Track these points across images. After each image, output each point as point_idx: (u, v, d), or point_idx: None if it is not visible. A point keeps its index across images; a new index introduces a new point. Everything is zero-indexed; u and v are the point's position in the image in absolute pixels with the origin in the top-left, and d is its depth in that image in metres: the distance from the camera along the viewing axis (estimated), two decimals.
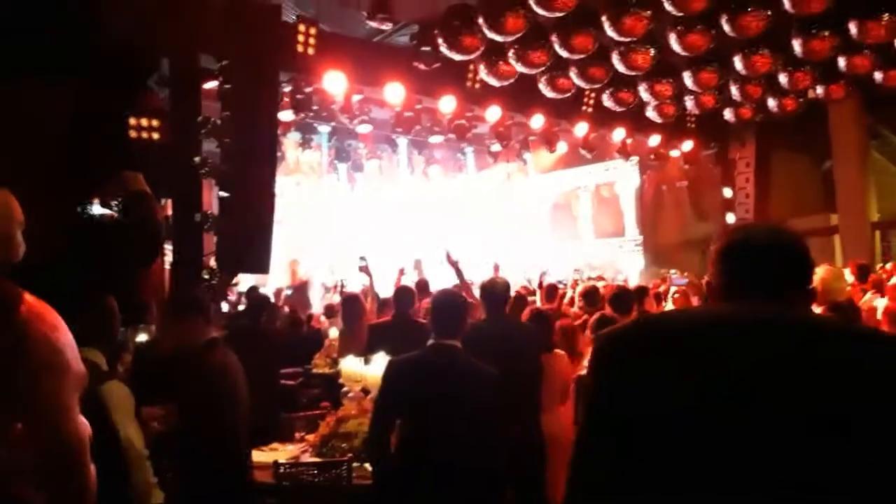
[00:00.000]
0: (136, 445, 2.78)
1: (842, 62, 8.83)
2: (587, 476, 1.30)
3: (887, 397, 1.15)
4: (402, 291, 5.31)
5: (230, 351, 3.70)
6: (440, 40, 7.87)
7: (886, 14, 7.39)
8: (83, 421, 1.72)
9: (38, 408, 1.63)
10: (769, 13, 7.38)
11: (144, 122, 7.03)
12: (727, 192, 13.65)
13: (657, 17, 7.45)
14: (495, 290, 4.12)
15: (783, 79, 9.46)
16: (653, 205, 14.96)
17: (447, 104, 9.99)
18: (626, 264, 14.72)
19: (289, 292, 10.84)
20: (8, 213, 1.95)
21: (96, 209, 6.55)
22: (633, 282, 13.25)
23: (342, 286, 8.29)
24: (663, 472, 1.19)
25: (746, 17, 7.45)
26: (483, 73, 8.84)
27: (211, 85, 7.63)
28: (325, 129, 12.11)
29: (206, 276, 6.96)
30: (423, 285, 7.79)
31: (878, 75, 9.41)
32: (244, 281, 9.60)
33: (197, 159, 7.09)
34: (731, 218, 13.47)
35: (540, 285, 7.45)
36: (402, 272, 8.23)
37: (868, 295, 6.11)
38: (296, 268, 11.50)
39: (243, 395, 3.61)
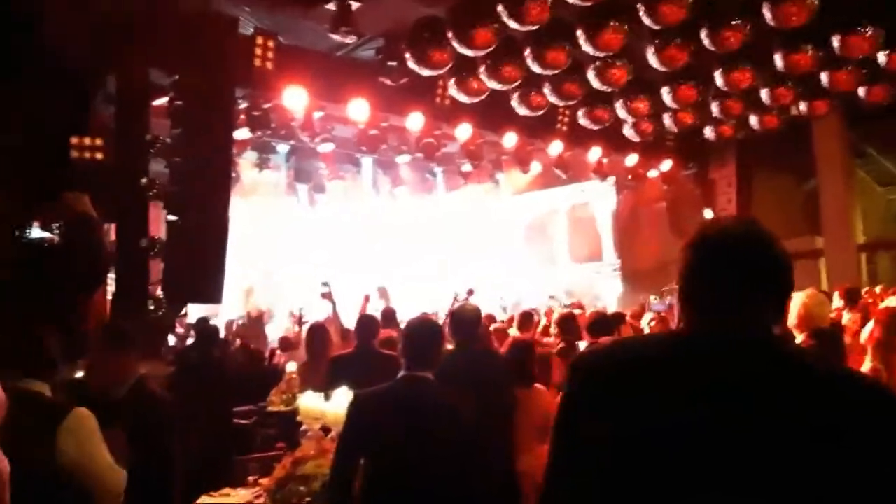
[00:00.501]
0: (109, 485, 2.70)
1: (825, 77, 9.00)
2: (565, 496, 1.34)
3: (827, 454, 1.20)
4: (365, 320, 5.21)
5: (163, 390, 3.57)
6: (407, 55, 7.86)
7: (870, 28, 7.55)
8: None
9: None
10: (750, 27, 7.51)
11: (88, 141, 6.89)
12: (708, 214, 13.78)
13: (634, 30, 7.53)
14: (464, 318, 4.04)
15: (765, 95, 9.62)
16: (630, 227, 15.06)
17: (415, 122, 9.98)
18: (605, 290, 14.78)
19: (240, 322, 10.68)
20: None
21: (36, 233, 6.39)
22: (612, 308, 13.31)
23: (301, 316, 8.15)
24: (652, 487, 1.24)
25: (726, 30, 7.57)
26: (453, 90, 8.85)
27: (161, 101, 7.52)
28: (283, 147, 12.00)
29: (152, 307, 6.80)
30: (388, 314, 7.70)
31: (861, 91, 9.62)
32: (193, 312, 9.42)
33: (144, 180, 6.96)
34: None
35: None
36: (366, 299, 8.14)
37: (847, 316, 6.15)
38: (251, 297, 11.29)
39: (178, 436, 3.48)
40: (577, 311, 7.01)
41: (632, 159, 12.66)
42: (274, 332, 10.68)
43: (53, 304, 5.51)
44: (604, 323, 5.07)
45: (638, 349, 1.43)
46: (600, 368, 1.37)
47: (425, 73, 8.09)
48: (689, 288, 1.40)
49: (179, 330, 8.65)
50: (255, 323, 10.41)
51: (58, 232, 6.26)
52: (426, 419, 2.99)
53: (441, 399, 3.07)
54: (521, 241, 16.43)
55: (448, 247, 16.23)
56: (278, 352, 8.41)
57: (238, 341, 8.59)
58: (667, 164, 13.22)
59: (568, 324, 5.86)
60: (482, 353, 4.11)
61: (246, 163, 12.24)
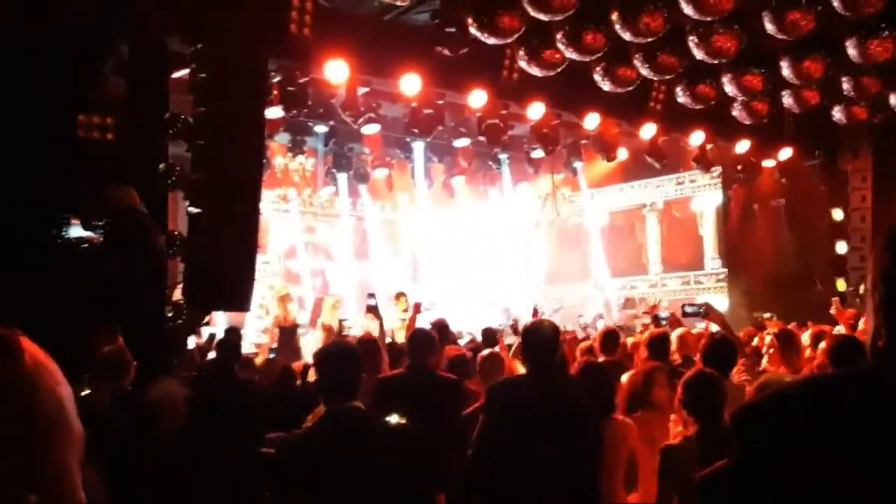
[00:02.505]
0: None
1: None
2: None
3: None
4: (419, 335, 5.33)
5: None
6: (470, 19, 7.95)
7: None
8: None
9: (47, 476, 1.70)
10: None
11: (96, 119, 7.16)
12: (837, 214, 13.55)
13: None
14: (540, 338, 4.09)
15: None
16: (740, 229, 14.90)
17: (477, 99, 10.04)
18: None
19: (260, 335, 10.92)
20: None
21: (75, 231, 6.68)
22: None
23: (341, 328, 8.33)
24: None
25: None
26: (523, 61, 8.90)
27: (181, 74, 7.76)
28: (321, 129, 12.26)
29: (171, 314, 7.05)
30: (441, 327, 7.81)
31: None
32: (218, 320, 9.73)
33: (162, 166, 7.20)
34: (842, 247, 13.35)
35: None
36: (417, 309, 8.27)
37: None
38: (286, 304, 11.56)
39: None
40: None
41: (742, 146, 12.52)
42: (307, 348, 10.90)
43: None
44: (723, 351, 5.03)
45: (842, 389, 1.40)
46: (797, 417, 1.36)
47: (490, 41, 8.17)
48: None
49: (199, 341, 8.89)
50: (287, 335, 10.64)
51: (101, 231, 6.57)
52: (358, 457, 3.11)
53: (374, 429, 3.23)
54: (599, 245, 16.41)
55: (513, 248, 16.35)
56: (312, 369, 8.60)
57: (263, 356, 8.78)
58: (786, 153, 13.02)
59: (658, 346, 5.88)
60: (561, 381, 4.15)
61: (277, 146, 12.55)
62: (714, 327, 6.64)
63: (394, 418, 3.99)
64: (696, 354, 5.98)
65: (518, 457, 3.74)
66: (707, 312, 6.45)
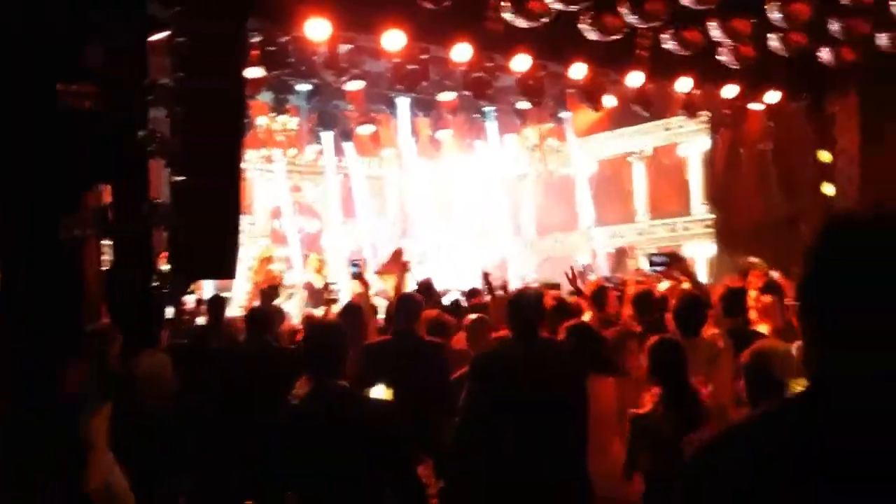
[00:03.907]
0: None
1: None
2: None
3: None
4: (405, 300, 5.27)
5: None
6: None
7: None
8: None
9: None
10: None
11: (76, 87, 7.00)
12: (825, 156, 13.48)
13: None
14: (524, 304, 4.06)
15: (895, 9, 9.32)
16: (727, 174, 14.83)
17: (461, 53, 9.90)
18: (693, 251, 14.64)
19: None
20: None
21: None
22: (703, 274, 13.19)
23: (329, 292, 8.27)
24: None
25: None
26: (507, 12, 8.74)
27: (159, 38, 7.59)
28: (303, 87, 12.06)
29: (156, 283, 6.97)
30: (425, 287, 7.75)
31: None
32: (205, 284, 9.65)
33: (142, 133, 7.06)
34: (829, 189, 13.31)
35: (573, 280, 7.32)
36: (405, 268, 8.20)
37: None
38: (268, 264, 11.47)
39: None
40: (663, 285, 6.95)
41: (730, 91, 12.39)
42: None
43: None
44: (693, 310, 5.01)
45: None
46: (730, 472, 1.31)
47: None
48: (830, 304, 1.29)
49: (187, 306, 8.83)
50: (268, 296, 10.56)
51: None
52: (344, 436, 3.09)
53: (360, 406, 3.24)
54: (587, 193, 16.33)
55: (500, 199, 16.30)
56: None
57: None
58: (773, 96, 12.89)
59: (644, 303, 5.85)
60: (544, 344, 4.13)
61: (259, 106, 12.36)
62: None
63: (380, 389, 3.96)
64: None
65: (506, 425, 3.73)
66: (672, 262, 6.41)
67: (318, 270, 11.43)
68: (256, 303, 10.20)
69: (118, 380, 4.59)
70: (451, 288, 11.26)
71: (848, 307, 1.24)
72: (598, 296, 6.17)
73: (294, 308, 10.95)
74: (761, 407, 1.41)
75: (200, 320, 7.89)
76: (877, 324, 1.22)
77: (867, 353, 1.23)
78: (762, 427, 1.36)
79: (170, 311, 7.13)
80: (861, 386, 1.24)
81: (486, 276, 7.70)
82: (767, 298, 5.49)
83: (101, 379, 4.41)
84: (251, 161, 14.23)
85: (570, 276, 7.28)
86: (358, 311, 5.75)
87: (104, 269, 7.30)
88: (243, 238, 8.93)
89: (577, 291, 6.83)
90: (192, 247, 6.70)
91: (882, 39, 10.51)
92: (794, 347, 3.47)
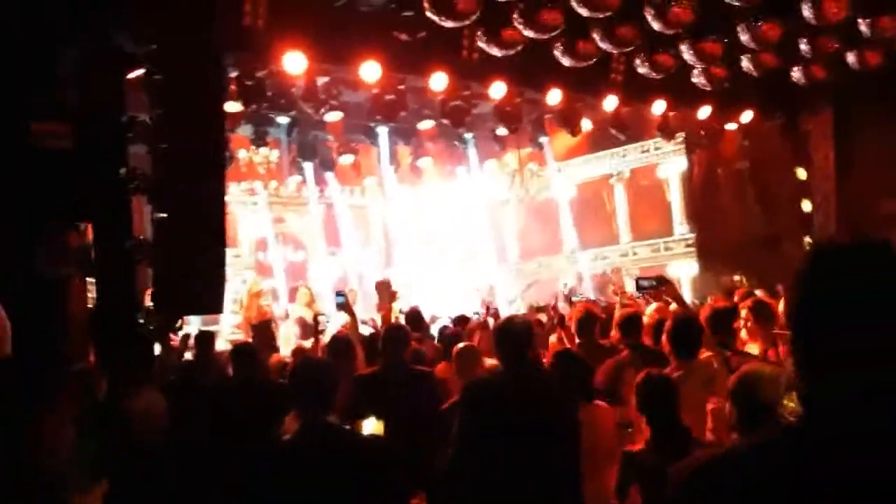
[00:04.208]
0: None
1: None
2: None
3: None
4: (394, 330, 5.27)
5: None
6: (426, 3, 7.85)
7: None
8: None
9: None
10: None
11: (51, 126, 7.00)
12: (801, 174, 13.63)
13: None
14: (512, 333, 4.05)
15: (864, 27, 9.46)
16: (706, 193, 14.96)
17: (438, 82, 9.99)
18: (676, 270, 14.74)
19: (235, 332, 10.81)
20: None
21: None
22: (686, 292, 13.26)
23: (318, 323, 8.23)
24: None
25: None
26: (482, 42, 8.82)
27: (136, 74, 7.61)
28: (283, 120, 12.09)
29: (142, 320, 6.94)
30: (413, 316, 7.74)
31: None
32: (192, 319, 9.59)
33: (123, 171, 7.06)
34: (807, 206, 13.44)
35: (568, 299, 7.39)
36: (393, 298, 8.19)
37: None
38: (258, 300, 11.43)
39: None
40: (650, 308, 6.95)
41: (704, 112, 12.53)
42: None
43: None
44: (690, 329, 4.99)
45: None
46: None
47: (448, 24, 8.08)
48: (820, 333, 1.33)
49: (174, 343, 8.77)
50: (262, 331, 10.51)
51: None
52: (336, 479, 3.06)
53: (352, 446, 3.21)
54: (568, 217, 16.42)
55: (479, 227, 16.35)
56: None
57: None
58: (747, 116, 13.05)
59: (632, 325, 5.85)
60: (532, 371, 4.11)
61: (240, 139, 12.39)
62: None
63: (371, 422, 3.94)
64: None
65: (496, 452, 3.71)
66: (661, 285, 6.39)
67: (309, 304, 11.39)
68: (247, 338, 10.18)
69: (110, 419, 4.55)
70: (439, 315, 11.26)
71: (832, 333, 1.29)
72: (586, 321, 6.16)
73: (288, 340, 10.92)
74: (752, 435, 1.43)
75: (188, 356, 7.84)
76: (859, 346, 1.26)
77: (850, 375, 1.27)
78: (755, 453, 1.37)
79: (157, 348, 7.08)
80: (847, 408, 1.27)
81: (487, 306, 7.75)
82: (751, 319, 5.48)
83: (88, 420, 4.37)
84: (234, 194, 14.23)
85: (553, 304, 7.33)
86: (346, 342, 5.73)
87: (89, 307, 7.27)
88: (229, 272, 8.91)
89: (560, 320, 6.85)
90: (178, 283, 6.68)
91: (851, 57, 10.67)
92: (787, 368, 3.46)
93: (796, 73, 11.49)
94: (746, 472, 1.32)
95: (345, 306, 6.53)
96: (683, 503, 1.40)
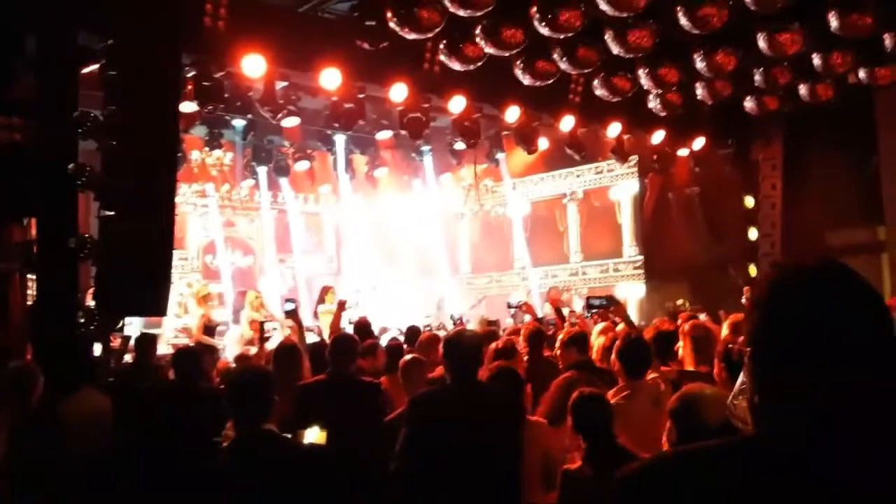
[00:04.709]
0: None
1: (888, 40, 9.05)
2: None
3: None
4: (341, 340, 5.21)
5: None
6: (389, 13, 7.84)
7: None
8: None
9: None
10: None
11: (3, 119, 6.85)
12: (749, 202, 13.87)
13: None
14: (460, 349, 4.02)
15: (817, 61, 9.66)
16: (656, 217, 15.13)
17: (398, 93, 9.98)
18: (624, 292, 14.86)
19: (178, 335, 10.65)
20: None
21: None
22: (634, 313, 13.38)
23: (263, 331, 8.14)
24: None
25: None
26: (443, 55, 8.83)
27: (91, 69, 7.47)
28: (239, 122, 11.98)
29: (82, 319, 6.77)
30: (362, 327, 7.67)
31: None
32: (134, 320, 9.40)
33: (71, 167, 6.90)
34: (753, 234, 13.68)
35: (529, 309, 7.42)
36: (341, 306, 8.12)
37: None
38: (206, 304, 11.26)
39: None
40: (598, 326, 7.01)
41: (658, 137, 12.70)
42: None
43: None
44: (639, 351, 5.03)
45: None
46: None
47: (410, 35, 8.07)
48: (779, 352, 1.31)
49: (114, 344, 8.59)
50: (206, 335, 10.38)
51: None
52: (272, 488, 3.03)
53: (289, 454, 3.16)
54: (522, 234, 16.51)
55: (437, 238, 16.35)
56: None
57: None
58: (699, 143, 13.26)
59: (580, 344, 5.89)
60: (476, 387, 4.08)
61: (193, 140, 12.23)
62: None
63: (314, 431, 3.89)
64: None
65: (442, 470, 3.69)
66: (611, 305, 6.46)
67: (257, 309, 11.28)
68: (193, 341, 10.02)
69: (45, 423, 4.40)
70: (389, 326, 11.21)
71: (793, 355, 1.29)
72: (535, 338, 6.18)
73: (235, 343, 10.79)
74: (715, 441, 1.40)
75: (128, 358, 7.68)
76: (820, 371, 1.26)
77: (810, 402, 1.26)
78: (712, 454, 1.37)
79: (97, 349, 6.92)
80: (805, 441, 1.26)
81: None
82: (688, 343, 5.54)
83: (22, 422, 4.24)
84: (184, 195, 14.04)
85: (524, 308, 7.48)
86: (292, 350, 5.66)
87: (29, 304, 7.09)
88: (174, 274, 8.76)
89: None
90: (121, 283, 6.54)
91: (804, 90, 10.89)
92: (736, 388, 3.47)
93: (749, 103, 11.71)
94: (704, 472, 1.32)
95: (293, 313, 6.45)
96: (636, 495, 1.37)
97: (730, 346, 4.60)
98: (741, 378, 1.40)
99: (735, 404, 1.43)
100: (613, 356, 4.94)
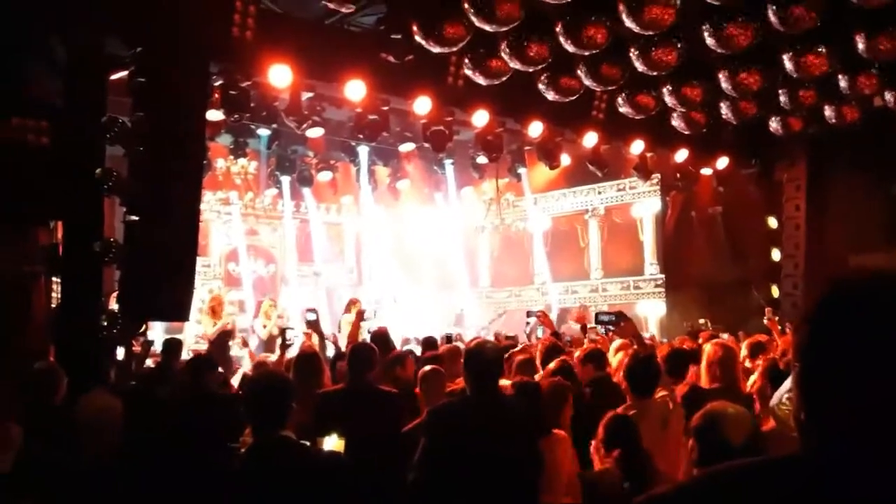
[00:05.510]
0: None
1: None
2: None
3: None
4: (359, 350, 5.23)
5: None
6: (415, 27, 7.89)
7: None
8: None
9: None
10: (825, 4, 7.52)
11: (31, 122, 6.95)
12: (772, 222, 13.79)
13: (687, 5, 7.55)
14: (483, 358, 4.02)
15: (843, 83, 9.62)
16: (678, 235, 15.07)
17: (422, 106, 10.03)
18: (644, 309, 14.81)
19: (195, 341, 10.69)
20: None
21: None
22: (654, 332, 13.33)
23: (285, 338, 8.14)
24: None
25: (796, 6, 7.58)
26: (468, 69, 8.87)
27: (119, 76, 7.57)
28: (264, 132, 12.07)
29: (105, 323, 6.84)
30: (381, 337, 7.67)
31: None
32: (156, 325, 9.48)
33: (98, 171, 7.00)
34: (776, 254, 13.59)
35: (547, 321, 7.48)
36: (360, 316, 8.13)
37: None
38: (219, 311, 11.30)
39: None
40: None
41: (681, 155, 12.67)
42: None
43: None
44: (647, 370, 5.01)
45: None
46: None
47: (436, 49, 8.12)
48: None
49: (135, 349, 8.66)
50: (220, 343, 10.40)
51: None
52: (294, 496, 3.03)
53: (309, 462, 3.16)
54: (542, 251, 16.51)
55: (453, 252, 16.37)
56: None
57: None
58: (723, 162, 13.22)
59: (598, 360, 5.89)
60: (503, 404, 4.07)
61: (218, 148, 12.33)
62: None
63: (332, 440, 3.90)
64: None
65: (459, 483, 3.68)
66: (620, 321, 6.41)
67: (270, 316, 11.32)
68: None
69: (53, 425, 4.42)
70: (409, 337, 11.22)
71: (840, 378, 1.23)
72: (551, 353, 6.16)
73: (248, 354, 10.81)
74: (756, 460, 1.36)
75: (149, 363, 7.73)
76: (868, 398, 1.20)
77: (853, 427, 1.21)
78: (747, 480, 1.31)
79: (120, 353, 6.98)
80: (862, 475, 1.20)
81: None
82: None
83: (44, 423, 4.27)
84: (208, 203, 14.14)
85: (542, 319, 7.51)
86: (313, 358, 5.68)
87: (53, 307, 7.17)
88: (196, 281, 8.82)
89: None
90: (145, 287, 6.61)
91: (829, 111, 10.84)
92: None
93: (774, 124, 11.67)
94: (743, 494, 1.27)
95: (315, 323, 6.47)
96: None
97: (776, 359, 4.58)
98: (787, 384, 1.37)
99: (779, 407, 1.41)
100: (620, 374, 4.92)
